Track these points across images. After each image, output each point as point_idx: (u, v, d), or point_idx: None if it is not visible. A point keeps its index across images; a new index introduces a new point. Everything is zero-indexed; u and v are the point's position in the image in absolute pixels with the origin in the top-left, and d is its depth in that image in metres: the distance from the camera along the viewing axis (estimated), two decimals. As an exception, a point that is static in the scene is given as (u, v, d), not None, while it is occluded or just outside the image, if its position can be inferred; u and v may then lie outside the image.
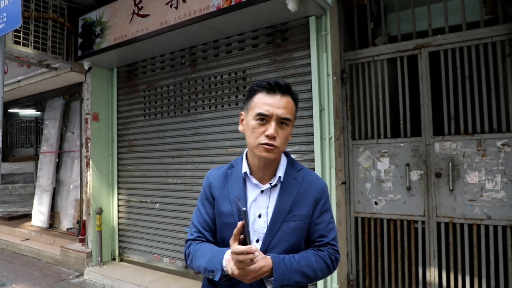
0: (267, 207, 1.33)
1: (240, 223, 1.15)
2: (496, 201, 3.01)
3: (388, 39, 3.72)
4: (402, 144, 3.43)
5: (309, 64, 3.46)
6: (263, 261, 1.19)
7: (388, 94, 3.60)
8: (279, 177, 1.35)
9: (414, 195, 3.36)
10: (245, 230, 1.15)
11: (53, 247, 5.76)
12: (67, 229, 6.21)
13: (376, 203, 3.53)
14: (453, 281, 3.22)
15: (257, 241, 1.32)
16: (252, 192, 1.36)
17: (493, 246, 3.03)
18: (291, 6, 3.10)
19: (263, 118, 1.27)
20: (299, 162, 1.46)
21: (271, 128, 1.25)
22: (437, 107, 3.38)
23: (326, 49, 3.41)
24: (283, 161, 1.40)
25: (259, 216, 1.33)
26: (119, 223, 5.17)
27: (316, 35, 3.42)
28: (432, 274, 3.28)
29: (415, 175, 3.36)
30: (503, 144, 3.00)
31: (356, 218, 3.65)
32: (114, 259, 5.16)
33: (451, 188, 3.17)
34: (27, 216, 7.28)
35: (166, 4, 3.85)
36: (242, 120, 1.39)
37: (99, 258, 4.89)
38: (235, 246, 1.15)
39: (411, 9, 3.46)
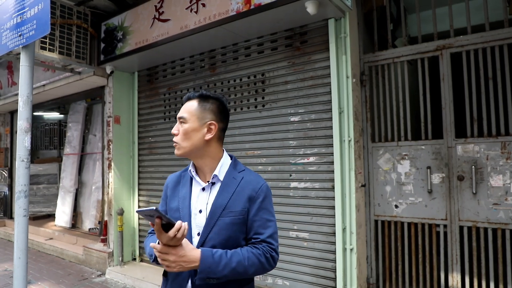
0: (207, 203, 1.46)
1: (157, 220, 1.22)
2: (522, 205, 2.94)
3: (408, 40, 3.68)
4: (423, 147, 3.39)
5: (328, 67, 3.46)
6: (191, 252, 1.30)
7: (408, 96, 3.56)
8: (215, 175, 1.47)
9: (435, 198, 3.30)
10: (164, 218, 1.23)
11: (76, 246, 5.91)
12: (89, 229, 6.37)
13: (396, 206, 3.50)
14: (477, 286, 3.15)
15: (198, 234, 1.43)
16: (195, 190, 1.51)
17: (518, 251, 2.96)
18: (310, 9, 3.11)
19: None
20: (243, 164, 1.59)
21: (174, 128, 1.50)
22: (459, 109, 3.32)
23: (345, 51, 3.40)
24: (224, 163, 1.52)
25: (200, 211, 1.46)
26: (139, 224, 5.27)
27: (335, 37, 3.42)
28: (454, 279, 3.22)
29: (436, 178, 3.31)
30: (529, 147, 2.92)
31: (376, 221, 3.62)
32: (134, 259, 5.26)
33: (474, 192, 3.11)
34: (51, 216, 7.50)
35: (186, 8, 3.92)
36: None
37: (120, 258, 4.99)
38: (164, 235, 1.26)
39: (432, 9, 3.42)
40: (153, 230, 1.59)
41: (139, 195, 5.28)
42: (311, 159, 3.58)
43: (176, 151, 1.48)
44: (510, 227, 2.98)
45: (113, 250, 5.07)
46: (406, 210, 3.44)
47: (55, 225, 7.00)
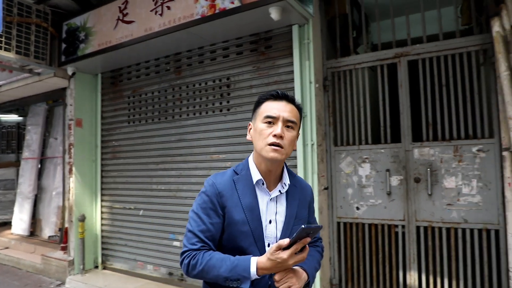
0: (276, 213, 1.43)
1: (308, 239, 1.21)
2: (472, 205, 3.10)
3: (370, 47, 3.81)
4: (382, 150, 3.51)
5: (292, 72, 3.52)
6: (299, 268, 1.35)
7: (369, 101, 3.68)
8: (288, 184, 1.45)
9: (394, 200, 3.43)
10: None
11: (34, 255, 5.64)
12: (49, 237, 6.09)
13: (357, 208, 3.60)
14: (432, 283, 3.29)
15: (268, 245, 1.40)
16: (262, 199, 1.42)
17: (469, 249, 3.12)
18: (274, 15, 3.17)
19: (271, 121, 1.37)
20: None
21: (278, 128, 1.34)
22: (416, 114, 3.47)
23: (308, 57, 3.48)
24: (285, 169, 1.49)
25: (270, 222, 1.42)
26: (102, 230, 5.11)
27: (299, 43, 3.49)
28: (412, 277, 3.35)
29: (395, 181, 3.44)
30: (478, 150, 3.10)
31: (338, 223, 3.70)
32: (97, 267, 5.08)
33: (429, 193, 3.26)
34: (7, 224, 7.10)
35: (151, 11, 3.87)
36: (250, 129, 1.48)
37: (81, 266, 4.81)
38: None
39: (391, 18, 3.56)
40: (202, 247, 1.36)
41: (102, 200, 5.12)
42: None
43: (278, 156, 1.34)
44: (462, 226, 3.14)
45: (73, 258, 4.88)
46: (367, 212, 3.55)
47: (11, 234, 6.64)
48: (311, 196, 1.59)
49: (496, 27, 2.79)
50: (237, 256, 1.31)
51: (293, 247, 1.19)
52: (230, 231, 1.39)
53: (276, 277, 1.27)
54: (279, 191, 1.44)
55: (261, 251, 1.36)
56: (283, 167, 1.48)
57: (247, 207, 1.38)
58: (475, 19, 3.24)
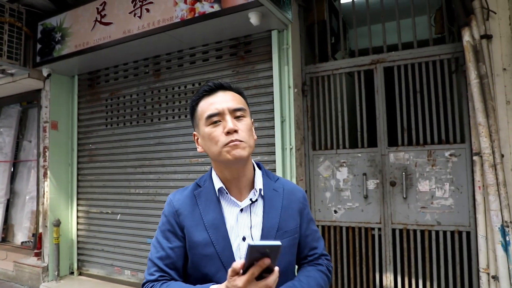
0: (250, 227, 1.16)
1: (266, 260, 0.91)
2: (445, 208, 3.20)
3: (348, 53, 3.89)
4: (359, 154, 3.58)
5: (271, 76, 3.55)
6: None
7: (346, 106, 3.75)
8: (259, 190, 1.20)
9: (371, 203, 3.50)
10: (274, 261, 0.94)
11: (6, 262, 5.44)
12: (22, 242, 5.88)
13: (335, 211, 3.65)
14: (407, 284, 3.37)
15: None
16: (230, 212, 1.18)
17: (443, 250, 3.21)
18: (253, 20, 3.19)
19: (215, 120, 1.14)
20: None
21: (228, 123, 1.12)
22: (391, 119, 3.56)
23: (287, 62, 3.52)
24: (258, 172, 1.25)
25: (243, 239, 1.15)
26: (78, 235, 4.99)
27: (278, 48, 3.52)
28: (388, 279, 3.42)
29: (371, 184, 3.51)
30: (450, 155, 3.20)
31: (316, 226, 3.73)
32: (72, 273, 4.95)
33: (404, 196, 3.34)
34: (-22, 230, 6.84)
35: (130, 13, 3.83)
36: (197, 139, 1.25)
37: (56, 273, 4.68)
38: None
39: (368, 25, 3.65)
40: (160, 276, 1.17)
41: (78, 205, 5.01)
42: (255, 166, 3.63)
43: (241, 152, 1.11)
44: (436, 228, 3.24)
45: (48, 264, 4.74)
46: (344, 215, 3.61)
47: (-18, 240, 6.40)
48: (302, 202, 1.29)
49: (466, 37, 2.90)
50: (197, 285, 1.11)
51: (249, 272, 0.92)
52: (192, 255, 1.17)
53: None
54: (250, 199, 1.19)
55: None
56: (254, 169, 1.25)
57: (210, 224, 1.15)
58: (447, 29, 3.35)
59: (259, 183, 1.21)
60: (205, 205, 1.18)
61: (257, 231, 1.16)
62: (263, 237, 1.14)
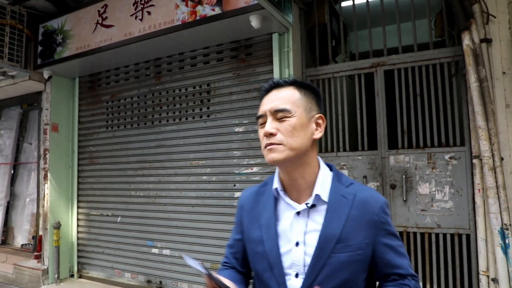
0: (305, 233, 1.09)
1: (207, 280, 0.95)
2: (445, 211, 3.21)
3: (348, 56, 3.90)
4: (360, 157, 3.59)
5: (272, 79, 3.55)
6: None
7: (347, 109, 3.76)
8: (316, 195, 1.10)
9: (371, 206, 3.50)
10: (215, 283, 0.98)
11: (6, 264, 5.43)
12: (22, 245, 5.88)
13: (336, 214, 3.64)
14: None
15: (297, 275, 1.07)
16: (285, 214, 1.14)
17: (442, 253, 3.22)
18: (254, 23, 3.21)
19: (262, 122, 1.12)
20: (348, 176, 1.26)
21: (266, 125, 1.09)
22: (392, 122, 3.57)
23: (288, 65, 3.53)
24: (325, 175, 1.15)
25: (297, 244, 1.08)
26: (78, 238, 4.99)
27: (278, 51, 3.54)
28: (388, 282, 3.41)
29: (372, 187, 3.52)
30: (450, 157, 3.22)
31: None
32: (72, 275, 4.95)
33: (404, 199, 3.35)
34: (-23, 232, 6.83)
35: (131, 15, 3.85)
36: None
37: (56, 275, 4.67)
38: None
39: (368, 29, 3.66)
40: (224, 263, 1.28)
41: (78, 207, 5.01)
42: (255, 169, 3.64)
43: (275, 155, 1.07)
44: (436, 231, 3.24)
45: (48, 267, 4.74)
46: (345, 218, 3.60)
47: (-19, 242, 6.39)
48: (378, 214, 1.09)
49: (466, 41, 2.91)
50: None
51: None
52: (248, 250, 1.20)
53: None
54: (306, 204, 1.11)
55: (279, 280, 1.07)
56: (318, 172, 1.14)
57: (264, 224, 1.14)
58: (447, 32, 3.37)
59: (320, 187, 1.11)
60: (265, 204, 1.18)
61: (313, 239, 1.07)
62: (319, 246, 1.06)
